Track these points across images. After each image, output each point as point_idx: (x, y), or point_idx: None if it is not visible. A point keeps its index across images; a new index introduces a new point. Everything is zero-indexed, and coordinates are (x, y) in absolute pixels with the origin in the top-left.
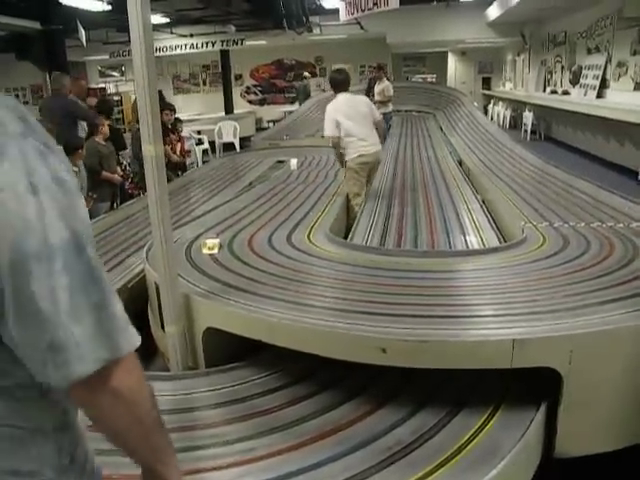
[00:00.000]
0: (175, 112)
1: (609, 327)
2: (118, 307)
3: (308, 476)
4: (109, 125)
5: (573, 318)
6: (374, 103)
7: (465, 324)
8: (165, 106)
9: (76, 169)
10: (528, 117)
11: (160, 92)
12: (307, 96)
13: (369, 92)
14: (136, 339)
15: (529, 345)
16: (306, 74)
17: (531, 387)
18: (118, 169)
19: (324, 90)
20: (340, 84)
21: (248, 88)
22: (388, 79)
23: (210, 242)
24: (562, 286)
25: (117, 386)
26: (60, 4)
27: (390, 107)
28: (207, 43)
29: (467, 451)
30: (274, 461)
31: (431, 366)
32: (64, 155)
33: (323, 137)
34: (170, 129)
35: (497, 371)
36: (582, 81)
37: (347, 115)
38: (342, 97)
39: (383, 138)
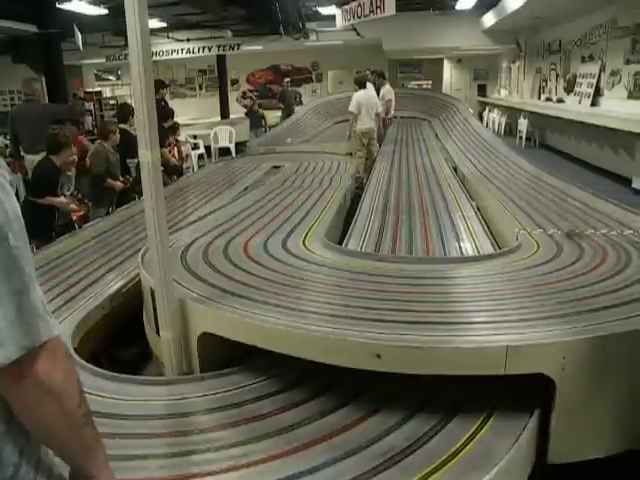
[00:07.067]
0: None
1: (601, 334)
2: (38, 296)
3: None
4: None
5: (566, 325)
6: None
7: (459, 330)
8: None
9: (70, 173)
10: (523, 124)
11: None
12: (291, 103)
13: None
14: (55, 329)
15: (522, 352)
16: (286, 80)
17: (524, 393)
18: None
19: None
20: (361, 83)
21: (244, 93)
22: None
23: None
24: (555, 293)
25: (41, 376)
26: (57, 8)
27: (390, 113)
28: (203, 48)
29: (460, 457)
30: (268, 466)
31: (425, 372)
32: None
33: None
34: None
35: (491, 377)
36: (576, 89)
37: (365, 102)
38: (363, 91)
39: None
